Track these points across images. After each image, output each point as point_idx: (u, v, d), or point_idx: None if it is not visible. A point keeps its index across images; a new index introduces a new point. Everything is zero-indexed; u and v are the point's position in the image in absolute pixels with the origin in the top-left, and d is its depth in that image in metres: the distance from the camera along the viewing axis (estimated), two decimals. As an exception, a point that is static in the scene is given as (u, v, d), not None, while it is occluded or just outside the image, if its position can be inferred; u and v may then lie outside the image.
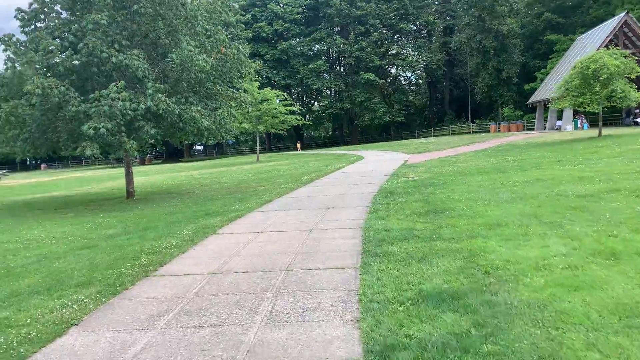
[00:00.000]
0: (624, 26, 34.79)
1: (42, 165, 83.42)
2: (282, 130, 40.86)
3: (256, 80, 35.37)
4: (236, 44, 16.07)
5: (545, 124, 41.13)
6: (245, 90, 24.62)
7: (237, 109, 17.93)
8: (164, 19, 14.25)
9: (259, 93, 35.97)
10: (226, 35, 15.41)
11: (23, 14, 13.76)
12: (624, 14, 34.74)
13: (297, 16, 64.24)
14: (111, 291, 5.31)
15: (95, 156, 12.85)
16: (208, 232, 8.32)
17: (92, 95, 12.52)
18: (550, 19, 49.58)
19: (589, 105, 23.01)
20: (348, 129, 73.00)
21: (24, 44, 13.52)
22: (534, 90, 45.15)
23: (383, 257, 5.71)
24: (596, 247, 5.33)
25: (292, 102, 40.16)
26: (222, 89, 16.03)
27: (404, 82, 74.23)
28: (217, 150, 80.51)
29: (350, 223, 8.12)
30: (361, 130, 70.21)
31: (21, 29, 13.85)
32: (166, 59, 13.94)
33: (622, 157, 13.76)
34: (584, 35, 40.51)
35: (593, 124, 35.71)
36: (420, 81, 74.73)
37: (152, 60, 14.46)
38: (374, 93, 61.48)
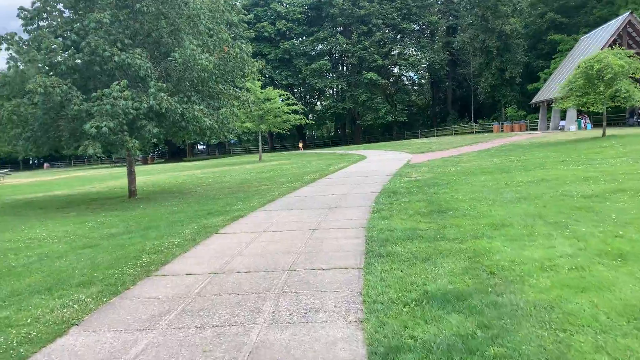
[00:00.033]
0: (628, 26, 34.66)
1: (45, 165, 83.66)
2: (284, 129, 40.81)
3: (259, 80, 35.33)
4: (239, 43, 16.04)
5: (548, 124, 41.01)
6: (247, 90, 24.64)
7: (240, 108, 17.89)
8: (166, 18, 14.22)
9: (262, 92, 35.94)
10: (229, 35, 15.38)
11: (25, 12, 13.75)
12: (628, 13, 34.61)
13: (299, 16, 64.22)
14: (112, 291, 5.27)
15: (98, 155, 12.81)
16: (210, 232, 8.28)
17: (95, 94, 12.50)
18: (554, 19, 49.42)
19: (592, 105, 22.91)
20: (350, 128, 72.95)
21: (26, 43, 13.51)
22: (537, 90, 45.02)
23: (387, 257, 5.65)
24: (603, 247, 5.27)
25: (295, 102, 40.10)
26: (224, 88, 15.98)
27: (406, 82, 74.25)
28: (220, 149, 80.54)
29: (354, 223, 8.06)
30: (364, 130, 70.16)
31: (24, 28, 13.84)
32: (169, 58, 13.91)
33: (626, 157, 13.67)
34: (588, 35, 40.37)
35: (596, 124, 35.61)
36: (422, 81, 74.62)
37: (155, 59, 14.43)
38: (377, 93, 61.41)
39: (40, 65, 13.08)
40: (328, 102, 69.91)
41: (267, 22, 62.84)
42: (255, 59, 18.12)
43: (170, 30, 14.46)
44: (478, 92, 56.05)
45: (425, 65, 65.25)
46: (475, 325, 3.65)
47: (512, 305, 3.95)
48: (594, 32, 39.06)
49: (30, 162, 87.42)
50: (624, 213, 6.76)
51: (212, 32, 14.61)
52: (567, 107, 25.90)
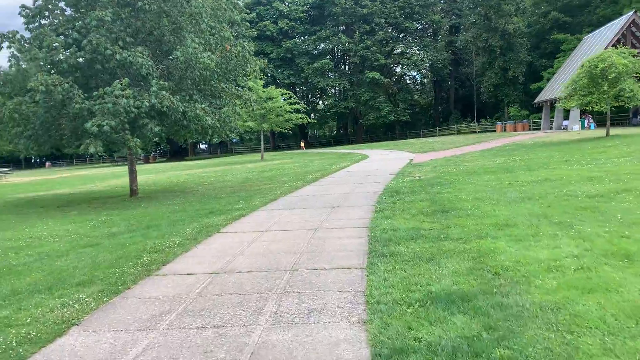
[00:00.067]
0: (631, 25, 34.50)
1: (47, 163, 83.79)
2: (286, 128, 40.80)
3: (261, 79, 35.31)
4: (241, 41, 15.98)
5: (551, 124, 40.85)
6: (249, 89, 24.56)
7: (242, 107, 17.84)
8: (168, 16, 14.17)
9: (264, 91, 35.90)
10: (231, 33, 15.32)
11: (27, 10, 13.71)
12: (631, 13, 34.46)
13: (302, 15, 64.16)
14: (113, 290, 5.23)
15: (99, 154, 12.78)
16: (212, 231, 8.23)
17: (96, 92, 12.46)
18: (557, 18, 49.28)
19: (596, 105, 22.82)
20: (353, 127, 72.86)
21: (28, 41, 13.48)
22: (540, 89, 44.89)
23: (390, 257, 5.60)
24: (609, 248, 5.20)
25: (297, 101, 40.05)
26: (226, 87, 15.93)
27: (409, 81, 74.09)
28: (222, 148, 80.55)
29: (356, 222, 8.01)
30: (366, 129, 70.07)
31: (25, 26, 13.80)
32: (170, 57, 13.87)
33: (630, 157, 13.59)
34: (591, 34, 40.23)
35: (600, 123, 35.46)
36: (425, 80, 74.49)
37: (157, 58, 14.39)
38: (379, 92, 61.32)
39: (41, 63, 13.04)
40: (330, 101, 69.88)
41: (269, 21, 62.80)
42: (257, 58, 18.07)
43: (172, 28, 14.42)
44: (481, 91, 55.92)
45: (427, 65, 65.18)
46: (481, 326, 3.59)
47: (518, 306, 3.89)
48: (597, 31, 38.91)
49: (32, 160, 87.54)
50: (630, 213, 6.70)
51: (214, 31, 14.55)
52: (571, 106, 25.79)
